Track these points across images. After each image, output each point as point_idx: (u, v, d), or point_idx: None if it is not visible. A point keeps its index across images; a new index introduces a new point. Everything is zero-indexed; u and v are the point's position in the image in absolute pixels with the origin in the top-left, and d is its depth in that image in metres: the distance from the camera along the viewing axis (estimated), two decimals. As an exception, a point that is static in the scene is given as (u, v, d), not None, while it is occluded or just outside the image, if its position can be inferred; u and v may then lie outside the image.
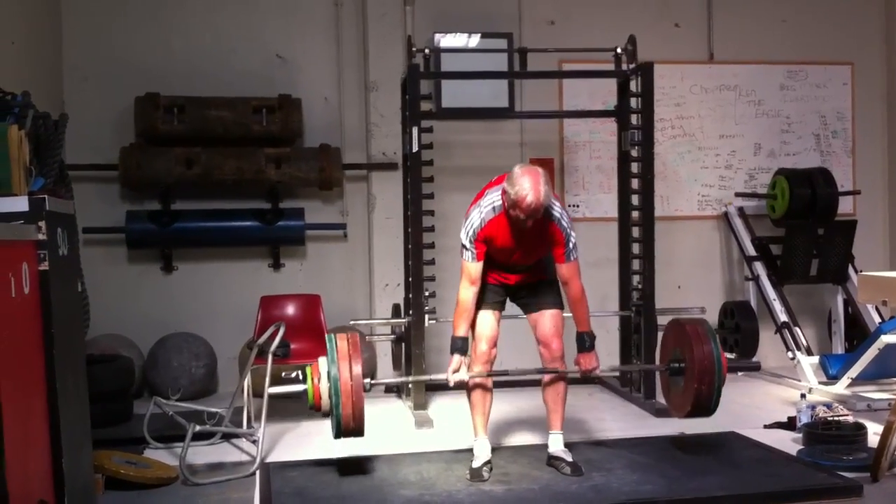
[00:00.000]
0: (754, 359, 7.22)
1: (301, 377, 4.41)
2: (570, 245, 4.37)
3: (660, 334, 6.28)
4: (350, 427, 4.26)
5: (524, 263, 4.50)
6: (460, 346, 4.41)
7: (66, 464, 3.26)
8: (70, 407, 3.38)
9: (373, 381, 4.47)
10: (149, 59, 6.96)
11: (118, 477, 4.30)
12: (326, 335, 4.43)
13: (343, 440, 4.37)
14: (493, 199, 4.32)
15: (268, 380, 5.02)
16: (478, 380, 4.50)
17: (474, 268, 4.37)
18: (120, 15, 6.99)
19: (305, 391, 4.34)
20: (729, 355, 4.66)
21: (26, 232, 3.14)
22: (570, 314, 4.55)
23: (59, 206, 3.45)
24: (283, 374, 4.88)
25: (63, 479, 3.24)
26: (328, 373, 4.24)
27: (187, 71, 6.98)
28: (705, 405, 4.57)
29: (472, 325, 4.50)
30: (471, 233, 4.33)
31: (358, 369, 4.22)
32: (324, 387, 4.26)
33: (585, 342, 4.52)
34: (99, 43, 6.94)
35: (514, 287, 4.58)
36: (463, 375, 4.42)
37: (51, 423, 3.21)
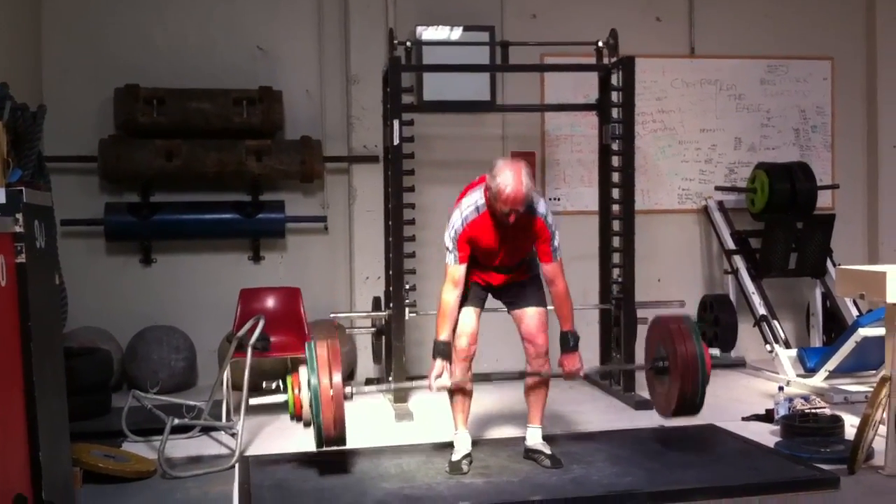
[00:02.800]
0: (733, 351, 7.29)
1: (282, 387, 4.39)
2: (556, 243, 4.39)
3: (641, 331, 6.34)
4: (332, 435, 4.22)
5: (509, 264, 4.48)
6: (443, 349, 4.36)
7: (44, 457, 3.25)
8: (48, 400, 3.37)
9: (354, 391, 4.42)
10: (129, 50, 6.91)
11: (96, 470, 4.29)
12: (306, 343, 4.38)
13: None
14: (475, 198, 4.30)
15: (247, 373, 5.01)
16: (459, 378, 4.49)
17: (458, 270, 4.34)
18: (100, 6, 6.93)
19: (286, 401, 4.32)
20: (712, 351, 4.62)
21: (3, 224, 3.12)
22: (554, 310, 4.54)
23: (36, 199, 3.43)
24: (264, 384, 4.86)
25: (40, 473, 3.23)
26: (308, 382, 4.21)
27: (168, 63, 6.94)
28: (691, 403, 4.52)
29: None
30: (453, 234, 4.31)
31: (338, 377, 4.19)
32: (304, 396, 4.24)
33: (569, 341, 4.51)
34: (79, 34, 6.88)
35: (498, 287, 4.56)
36: (445, 381, 4.38)
37: (28, 416, 3.20)
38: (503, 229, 4.25)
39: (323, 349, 4.26)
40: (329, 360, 4.23)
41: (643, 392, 6.16)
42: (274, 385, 4.47)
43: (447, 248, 4.35)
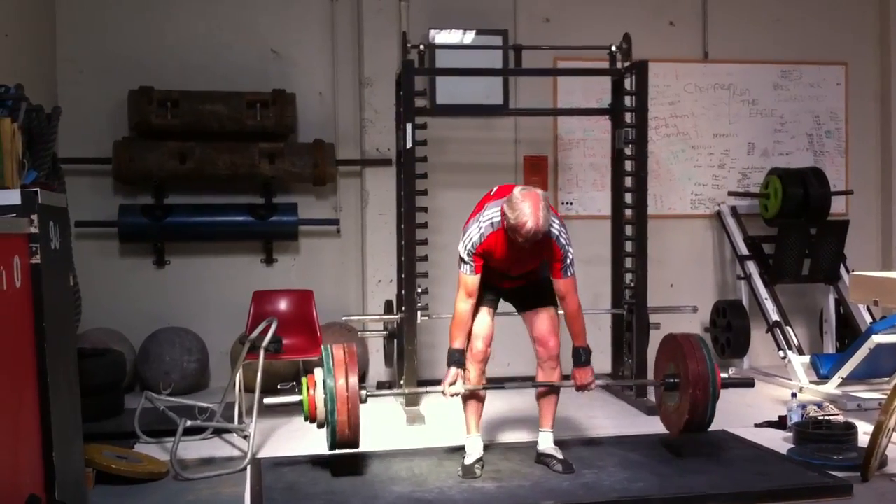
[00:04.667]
0: (745, 358, 7.26)
1: (297, 388, 4.41)
2: (568, 261, 4.36)
3: (653, 336, 6.32)
4: (346, 436, 4.24)
5: (520, 273, 4.50)
6: (457, 358, 4.39)
7: (57, 458, 3.26)
8: (61, 401, 3.38)
9: (368, 393, 4.43)
10: (143, 52, 6.94)
11: (109, 471, 4.30)
12: (322, 346, 4.41)
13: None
14: (491, 214, 4.29)
15: (259, 375, 5.02)
16: (473, 380, 4.48)
17: (472, 280, 4.36)
18: (114, 8, 6.96)
19: (301, 402, 4.33)
20: (723, 375, 4.62)
21: (18, 225, 3.13)
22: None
23: (51, 200, 3.45)
24: (279, 385, 4.87)
25: (53, 473, 3.24)
26: (324, 383, 4.23)
27: (181, 65, 6.96)
28: (700, 419, 4.50)
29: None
30: (469, 247, 4.32)
31: (354, 379, 4.21)
32: (319, 397, 4.25)
33: (581, 357, 4.51)
34: (93, 36, 6.91)
35: (507, 290, 4.59)
36: (459, 388, 4.41)
37: (41, 416, 3.21)
38: (517, 246, 4.24)
39: (339, 350, 4.29)
40: (345, 361, 4.25)
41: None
42: (289, 385, 4.47)
43: (462, 259, 4.36)
